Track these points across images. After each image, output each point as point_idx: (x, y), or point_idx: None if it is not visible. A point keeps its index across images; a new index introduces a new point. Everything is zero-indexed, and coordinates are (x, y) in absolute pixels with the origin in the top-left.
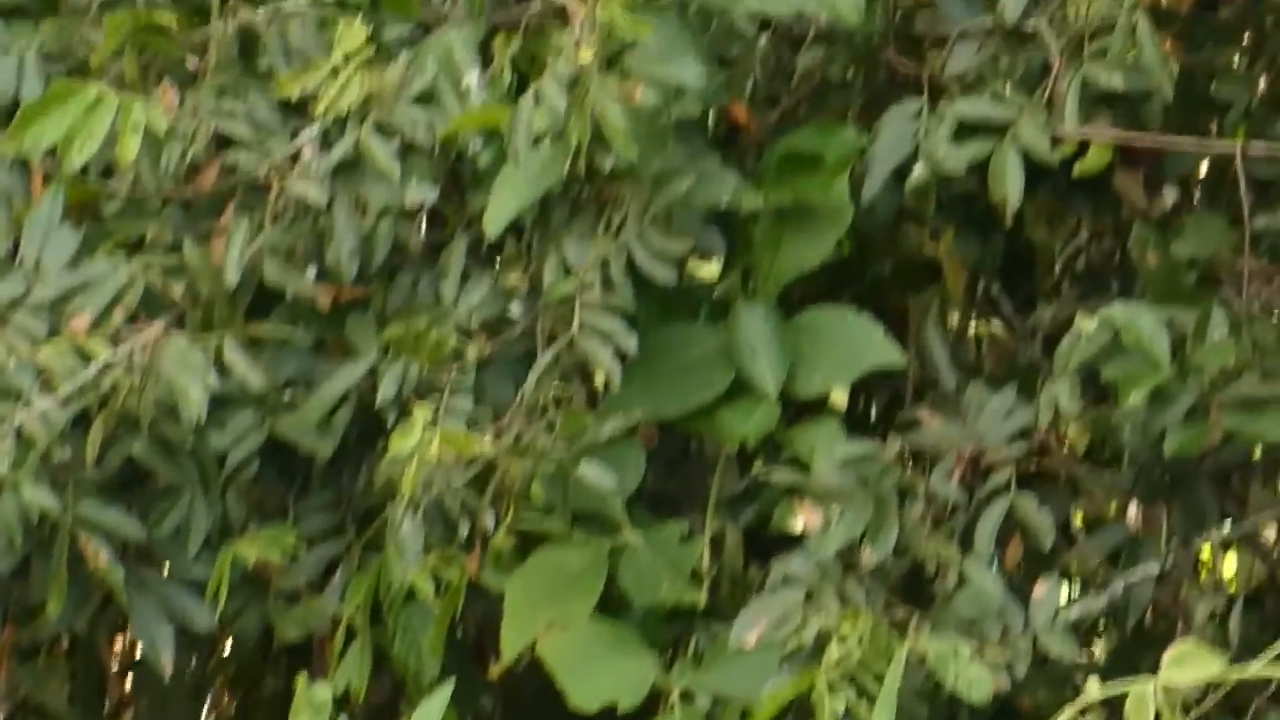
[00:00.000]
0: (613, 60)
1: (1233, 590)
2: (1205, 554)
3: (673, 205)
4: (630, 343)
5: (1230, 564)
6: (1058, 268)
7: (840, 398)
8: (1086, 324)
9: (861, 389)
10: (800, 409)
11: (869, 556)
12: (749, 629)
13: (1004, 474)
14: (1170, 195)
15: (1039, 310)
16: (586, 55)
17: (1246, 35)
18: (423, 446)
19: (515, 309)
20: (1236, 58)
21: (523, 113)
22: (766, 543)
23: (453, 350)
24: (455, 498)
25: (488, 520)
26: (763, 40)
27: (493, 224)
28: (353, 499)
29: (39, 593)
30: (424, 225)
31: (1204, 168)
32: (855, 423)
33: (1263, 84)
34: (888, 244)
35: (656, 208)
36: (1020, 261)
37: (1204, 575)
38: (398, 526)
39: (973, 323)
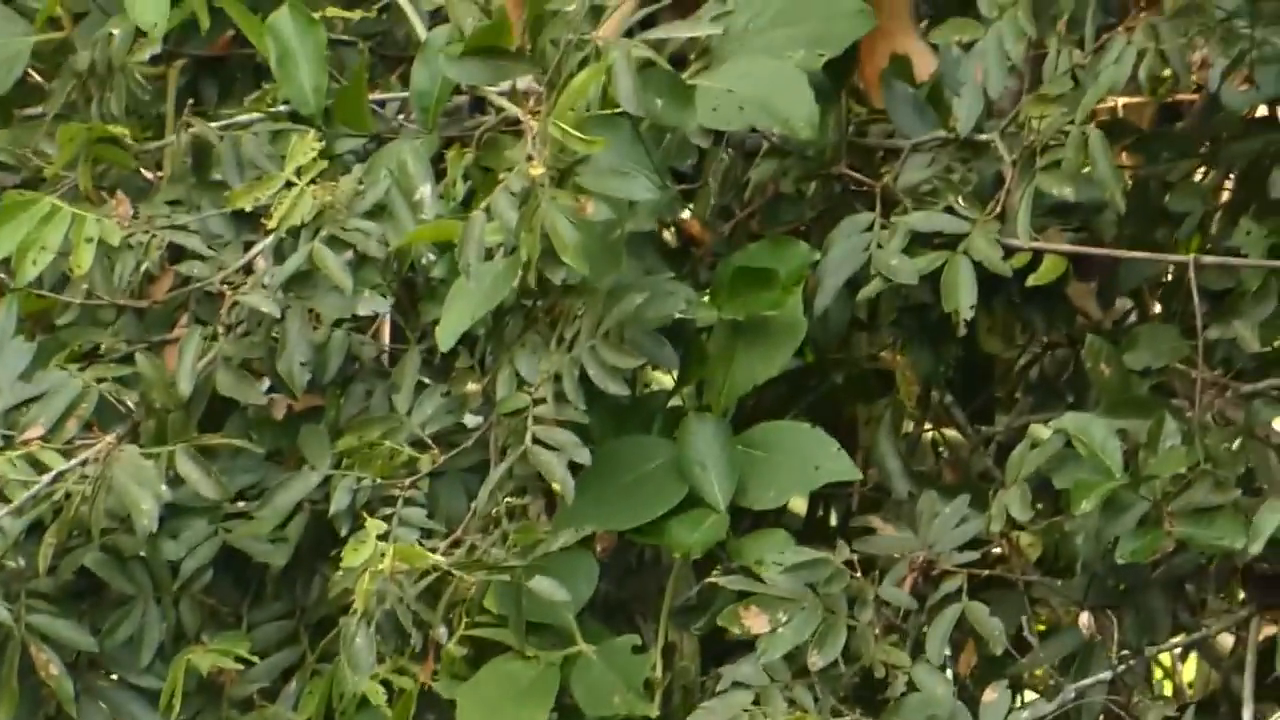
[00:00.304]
0: (565, 175)
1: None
2: (1166, 660)
3: (625, 320)
4: (583, 455)
5: (1191, 670)
6: (1022, 376)
7: (800, 505)
8: (1040, 432)
9: (821, 496)
10: (759, 517)
11: (816, 660)
12: None
13: (955, 581)
14: (1123, 306)
15: (995, 420)
16: (538, 170)
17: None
18: (375, 560)
19: (472, 419)
20: (1193, 169)
21: (474, 227)
22: (725, 650)
23: (406, 461)
24: (407, 610)
25: (440, 633)
26: (718, 153)
27: (445, 337)
28: (306, 608)
29: None
30: (387, 336)
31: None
32: (815, 529)
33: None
34: (842, 354)
35: (609, 322)
36: (978, 371)
37: (1165, 682)
38: (350, 639)
39: (932, 432)
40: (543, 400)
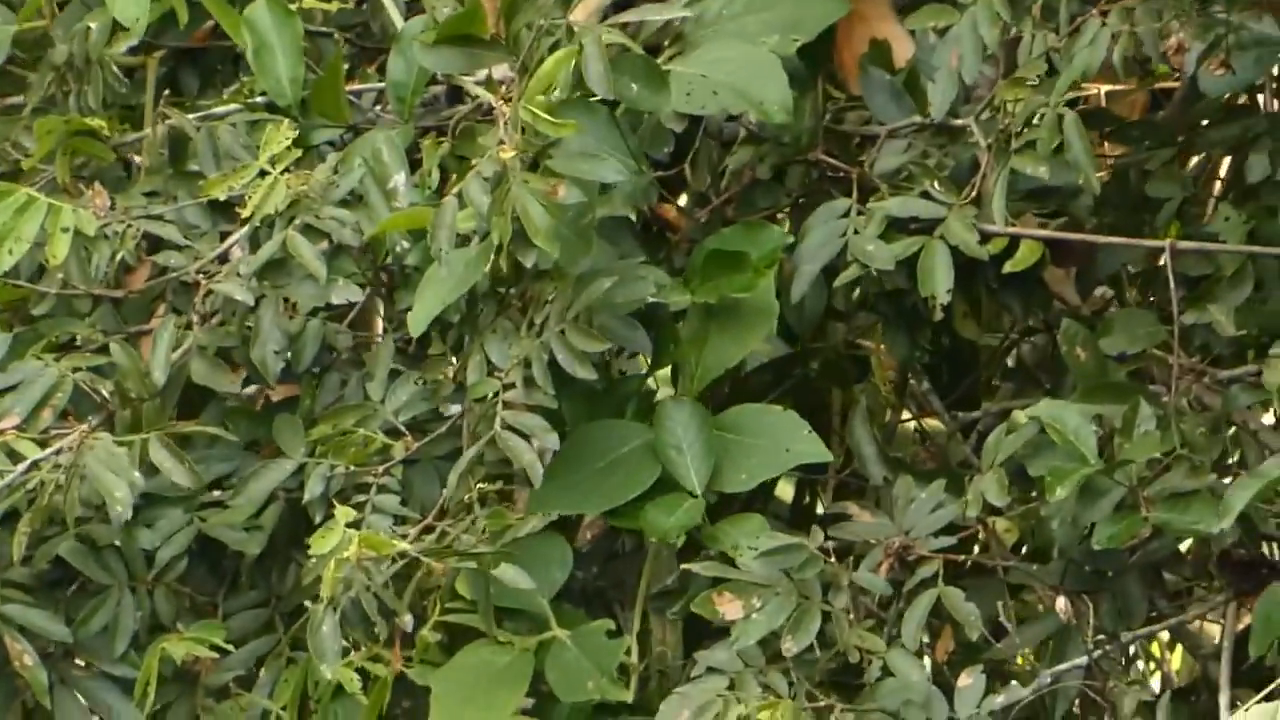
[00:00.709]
0: (539, 159)
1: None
2: (1155, 650)
3: (595, 304)
4: (551, 440)
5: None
6: (1000, 362)
7: (787, 490)
8: (1022, 417)
9: (807, 483)
10: (746, 503)
11: (790, 646)
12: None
13: (931, 567)
14: (1106, 294)
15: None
16: (508, 153)
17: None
18: (342, 547)
19: (451, 407)
20: (1172, 157)
21: (445, 213)
22: (709, 635)
23: (380, 449)
24: (374, 598)
25: (406, 620)
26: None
27: (417, 323)
28: (282, 596)
29: None
30: (380, 327)
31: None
32: (803, 515)
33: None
34: (820, 340)
35: (578, 307)
36: (962, 357)
37: (1156, 673)
38: (317, 627)
39: (915, 419)
40: (512, 385)
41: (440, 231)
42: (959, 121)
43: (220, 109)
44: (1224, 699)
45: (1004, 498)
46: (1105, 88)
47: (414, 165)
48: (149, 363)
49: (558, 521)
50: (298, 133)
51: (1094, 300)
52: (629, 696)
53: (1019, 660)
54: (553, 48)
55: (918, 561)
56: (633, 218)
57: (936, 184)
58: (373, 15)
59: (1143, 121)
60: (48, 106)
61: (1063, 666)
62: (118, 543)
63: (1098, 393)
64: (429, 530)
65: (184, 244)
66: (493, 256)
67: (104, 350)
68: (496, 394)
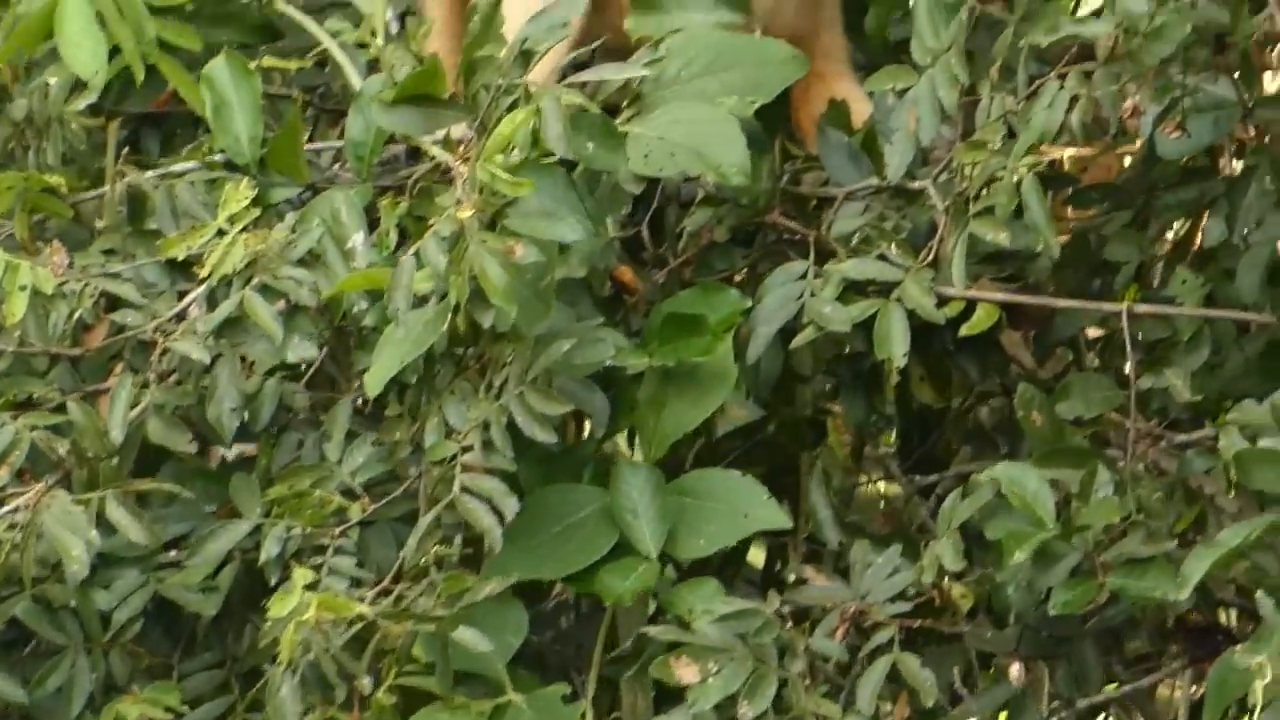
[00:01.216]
0: (496, 219)
1: None
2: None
3: (554, 366)
4: (510, 504)
5: None
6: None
7: (758, 556)
8: (980, 480)
9: (777, 547)
10: (717, 569)
11: (745, 711)
12: None
13: (887, 632)
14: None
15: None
16: (466, 213)
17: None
18: (300, 609)
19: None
20: (1130, 220)
21: (403, 273)
22: (676, 701)
23: (336, 510)
24: (332, 660)
25: (365, 683)
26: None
27: (373, 383)
28: (238, 657)
29: None
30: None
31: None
32: (773, 581)
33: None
34: (780, 403)
35: (537, 369)
36: (929, 421)
37: None
38: (276, 690)
39: (878, 483)
40: (470, 448)
41: (397, 292)
42: (916, 184)
43: (179, 167)
44: None
45: (960, 563)
46: (1083, 151)
47: (372, 225)
48: (107, 421)
49: (525, 584)
50: (256, 191)
51: (1053, 364)
52: None
53: None
54: (511, 107)
55: (873, 627)
56: (591, 280)
57: (894, 247)
58: (334, 76)
59: (1101, 184)
60: (6, 163)
61: None
62: (73, 603)
63: (1054, 457)
64: (386, 593)
65: (141, 303)
66: (450, 317)
67: (61, 409)
68: (454, 456)
